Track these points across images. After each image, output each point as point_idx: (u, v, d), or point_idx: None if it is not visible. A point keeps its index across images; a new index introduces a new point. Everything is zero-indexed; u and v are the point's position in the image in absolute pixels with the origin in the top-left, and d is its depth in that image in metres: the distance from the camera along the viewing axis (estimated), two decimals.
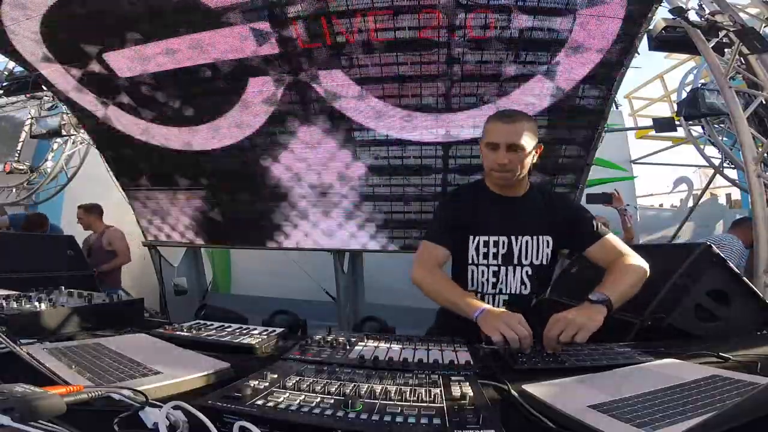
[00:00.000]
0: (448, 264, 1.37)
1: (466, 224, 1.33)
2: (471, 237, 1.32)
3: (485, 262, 1.32)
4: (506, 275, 1.31)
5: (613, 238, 1.29)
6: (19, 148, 6.15)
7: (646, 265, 1.20)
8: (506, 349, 0.98)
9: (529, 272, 1.31)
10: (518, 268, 1.31)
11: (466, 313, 1.11)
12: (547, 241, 1.31)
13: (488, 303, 1.28)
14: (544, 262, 1.32)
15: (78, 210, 3.93)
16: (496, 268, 1.32)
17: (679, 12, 2.56)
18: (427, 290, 1.25)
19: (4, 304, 1.24)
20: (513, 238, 1.30)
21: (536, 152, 1.29)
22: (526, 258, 1.30)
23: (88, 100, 3.66)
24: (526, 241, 1.30)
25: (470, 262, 1.33)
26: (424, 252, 1.31)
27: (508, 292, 1.32)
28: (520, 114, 1.28)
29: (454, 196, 1.51)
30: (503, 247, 1.31)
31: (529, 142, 1.23)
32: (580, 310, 1.04)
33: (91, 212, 3.91)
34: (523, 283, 1.31)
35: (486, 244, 1.31)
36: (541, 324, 1.04)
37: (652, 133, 5.62)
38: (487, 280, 1.33)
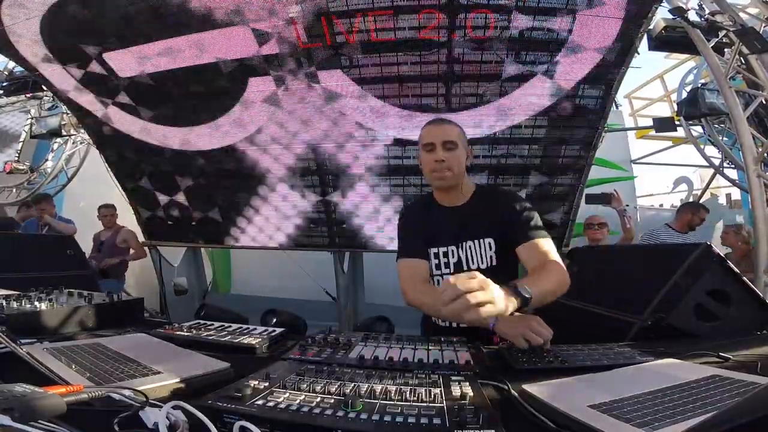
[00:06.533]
0: None
1: (424, 237, 1.36)
2: (429, 249, 1.36)
3: (440, 272, 1.36)
4: None
5: (544, 242, 1.22)
6: (19, 148, 6.14)
7: (567, 276, 1.15)
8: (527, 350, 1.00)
9: None
10: None
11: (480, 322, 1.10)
12: (489, 243, 1.31)
13: None
14: (492, 264, 1.30)
15: (103, 210, 4.14)
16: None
17: (679, 12, 2.56)
18: (428, 310, 1.28)
19: (4, 304, 1.24)
20: (460, 245, 1.33)
21: (468, 154, 1.34)
22: (472, 263, 1.32)
23: (88, 100, 3.67)
24: (470, 246, 1.32)
25: (432, 273, 1.37)
26: (405, 271, 1.31)
27: None
28: (450, 120, 1.37)
29: (408, 212, 1.49)
30: (453, 256, 1.34)
31: (460, 142, 1.30)
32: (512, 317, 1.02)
33: (113, 210, 4.27)
34: None
35: (437, 255, 1.35)
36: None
37: (652, 133, 5.62)
38: None
